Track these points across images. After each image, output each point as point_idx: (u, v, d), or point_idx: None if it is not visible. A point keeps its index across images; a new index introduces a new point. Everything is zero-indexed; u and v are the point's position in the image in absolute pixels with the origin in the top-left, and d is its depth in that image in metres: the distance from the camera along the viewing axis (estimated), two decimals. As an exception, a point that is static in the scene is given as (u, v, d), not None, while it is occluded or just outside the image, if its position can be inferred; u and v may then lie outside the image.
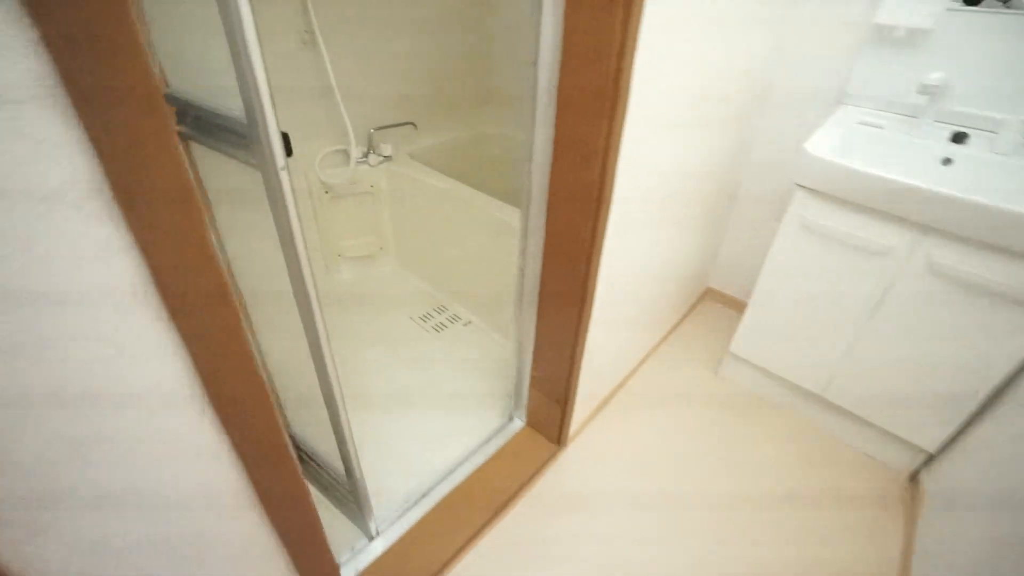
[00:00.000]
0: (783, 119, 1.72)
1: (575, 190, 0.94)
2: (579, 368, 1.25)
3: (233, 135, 0.66)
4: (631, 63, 0.82)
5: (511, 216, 1.65)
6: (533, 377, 1.37)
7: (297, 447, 1.23)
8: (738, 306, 2.13)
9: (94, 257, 0.47)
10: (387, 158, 2.00)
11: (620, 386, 1.77)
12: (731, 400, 1.74)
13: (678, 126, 1.19)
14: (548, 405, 1.38)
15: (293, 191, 0.69)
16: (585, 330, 1.16)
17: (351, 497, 1.12)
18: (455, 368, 1.76)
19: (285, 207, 0.68)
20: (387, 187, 2.03)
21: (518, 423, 1.52)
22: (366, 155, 1.98)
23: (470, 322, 1.98)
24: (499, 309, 1.87)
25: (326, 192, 1.96)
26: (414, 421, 1.54)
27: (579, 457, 1.49)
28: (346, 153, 1.98)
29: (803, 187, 1.32)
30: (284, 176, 0.65)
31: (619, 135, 0.88)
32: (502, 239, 1.69)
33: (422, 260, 2.13)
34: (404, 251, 2.18)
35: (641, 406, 1.70)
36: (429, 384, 1.68)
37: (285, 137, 0.66)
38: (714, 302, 2.21)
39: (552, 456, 1.44)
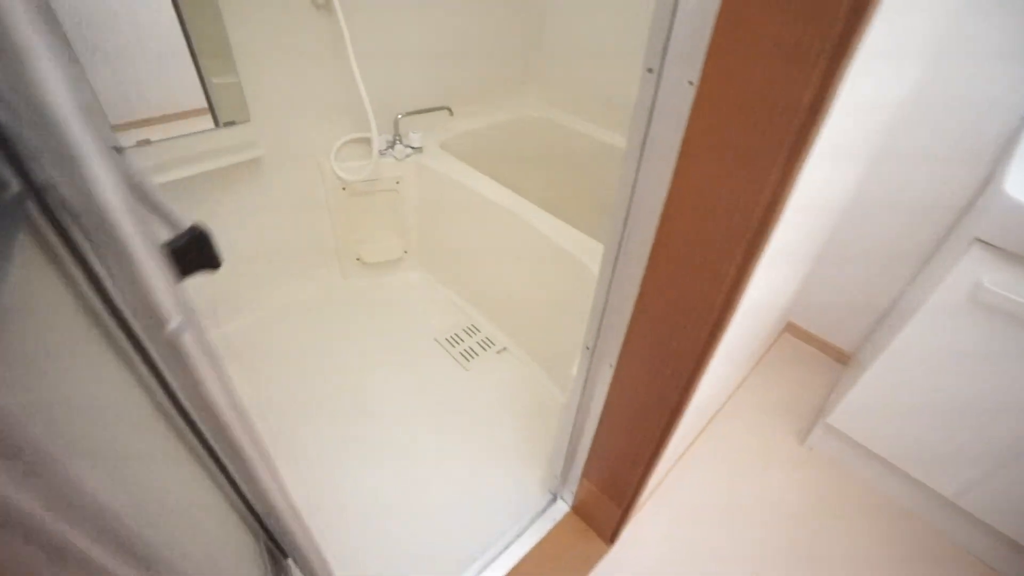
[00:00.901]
0: (915, 147, 1.30)
1: (709, 242, 0.60)
2: (654, 469, 0.93)
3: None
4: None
5: (576, 245, 1.31)
6: (589, 465, 1.06)
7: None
8: (822, 346, 1.76)
9: None
10: (416, 150, 1.67)
11: (688, 446, 1.45)
12: (822, 483, 1.40)
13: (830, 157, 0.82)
14: (602, 500, 1.09)
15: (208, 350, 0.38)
16: (679, 420, 0.84)
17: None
18: (485, 411, 1.47)
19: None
20: (416, 184, 1.71)
21: (563, 506, 1.23)
22: (391, 145, 1.65)
23: (505, 349, 1.68)
24: (543, 339, 1.56)
25: (343, 188, 1.65)
26: (429, 487, 1.27)
27: (632, 559, 1.19)
28: (367, 142, 1.65)
29: (987, 243, 0.94)
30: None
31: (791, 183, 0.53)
32: (560, 267, 1.36)
33: (454, 269, 1.82)
34: (433, 256, 1.87)
35: (709, 482, 1.38)
36: (454, 431, 1.41)
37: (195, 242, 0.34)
38: (795, 337, 1.84)
39: (599, 556, 1.16)
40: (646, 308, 0.71)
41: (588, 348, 0.85)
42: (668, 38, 0.50)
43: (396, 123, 1.63)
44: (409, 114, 1.65)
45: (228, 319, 1.67)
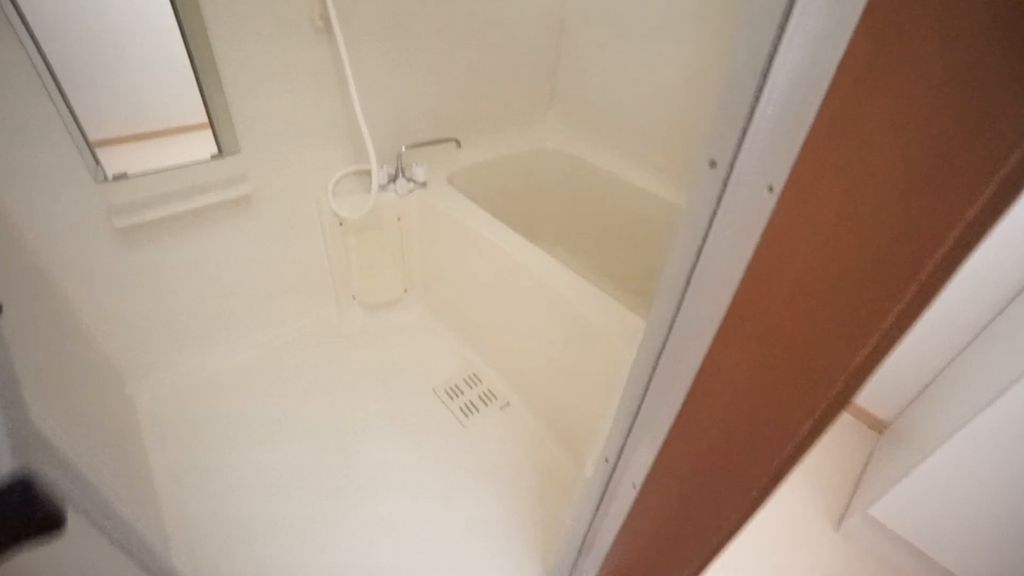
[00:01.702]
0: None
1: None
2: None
3: None
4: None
5: (591, 304, 1.18)
6: (602, 571, 0.92)
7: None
8: (856, 411, 1.61)
9: None
10: (420, 184, 1.54)
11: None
12: None
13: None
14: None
15: None
16: (719, 555, 0.69)
17: None
18: (483, 478, 1.33)
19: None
20: (418, 221, 1.58)
21: (564, 605, 1.08)
22: (393, 179, 1.53)
23: (508, 404, 1.54)
24: (550, 394, 1.42)
25: (340, 224, 1.53)
26: (414, 568, 1.13)
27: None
28: (367, 175, 1.53)
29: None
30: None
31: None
32: (570, 325, 1.23)
33: (456, 312, 1.68)
34: (434, 297, 1.74)
35: (735, 567, 1.23)
36: (447, 501, 1.26)
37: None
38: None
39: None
40: (691, 427, 0.57)
41: (607, 460, 0.71)
42: (746, 128, 0.37)
43: (399, 156, 1.51)
44: (413, 146, 1.52)
45: (215, 359, 1.54)
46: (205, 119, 1.21)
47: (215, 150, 1.26)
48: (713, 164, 0.40)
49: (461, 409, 1.51)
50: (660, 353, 0.54)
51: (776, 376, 0.45)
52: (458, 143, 1.60)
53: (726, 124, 0.38)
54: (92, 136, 1.09)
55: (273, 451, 1.34)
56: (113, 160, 1.14)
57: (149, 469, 1.26)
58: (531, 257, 1.30)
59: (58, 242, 1.16)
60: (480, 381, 1.60)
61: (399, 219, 1.57)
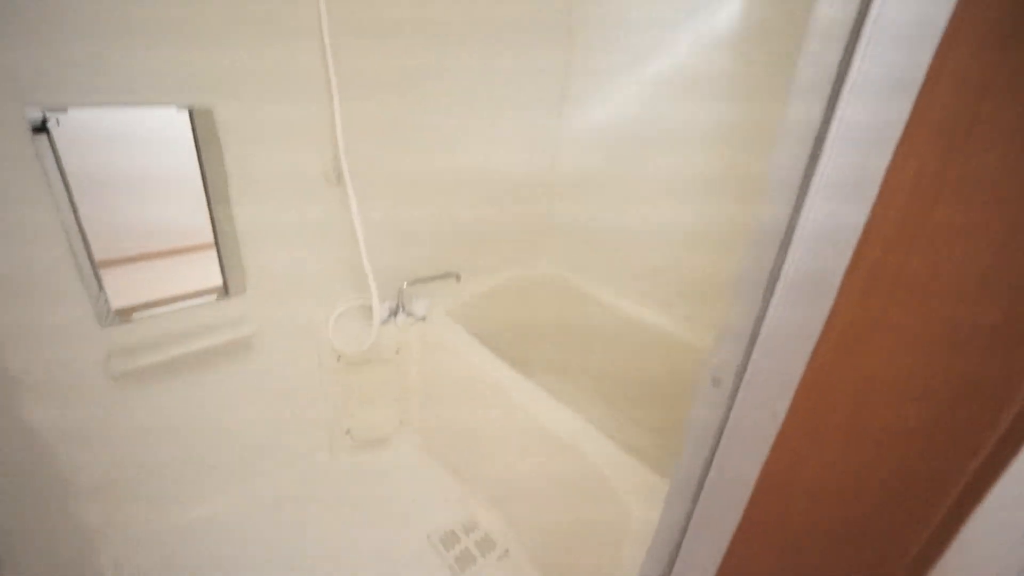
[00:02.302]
0: None
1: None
2: None
3: None
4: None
5: (593, 447, 1.13)
6: None
7: None
8: None
9: None
10: (420, 319, 1.56)
11: None
12: None
13: None
14: None
15: None
16: None
17: None
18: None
19: None
20: (417, 355, 1.58)
21: None
22: (394, 313, 1.55)
23: (506, 553, 1.42)
24: (550, 543, 1.31)
25: (338, 358, 1.52)
26: None
27: None
28: (368, 309, 1.56)
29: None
30: None
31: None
32: (572, 469, 1.17)
33: (453, 449, 1.62)
34: (431, 432, 1.68)
35: None
36: None
37: None
38: None
39: None
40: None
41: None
42: (750, 349, 0.37)
43: (400, 291, 1.54)
44: (415, 282, 1.57)
45: (200, 505, 1.45)
46: (209, 240, 1.24)
47: (219, 278, 1.29)
48: (716, 383, 0.40)
49: (456, 560, 1.39)
50: (676, 552, 0.51)
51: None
52: (458, 278, 1.65)
53: (729, 345, 0.39)
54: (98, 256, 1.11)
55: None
56: (115, 283, 1.14)
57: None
58: (532, 397, 1.28)
59: (50, 389, 1.14)
60: (477, 526, 1.50)
61: (397, 352, 1.57)
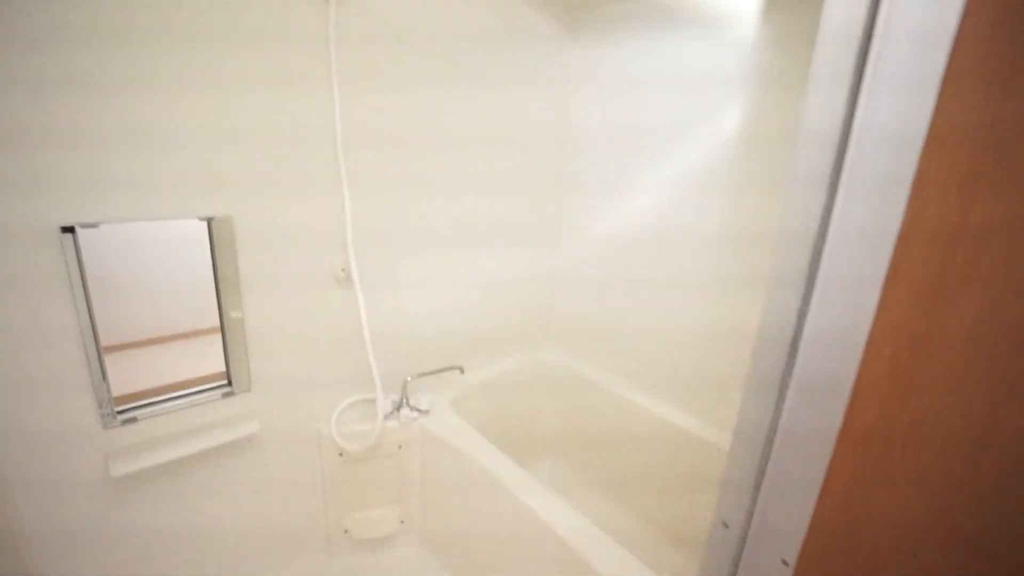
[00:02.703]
0: None
1: None
2: None
3: None
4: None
5: (614, 568, 1.08)
6: None
7: None
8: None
9: None
10: (424, 413, 1.55)
11: None
12: None
13: None
14: None
15: None
16: None
17: None
18: None
19: None
20: (419, 450, 1.55)
21: None
22: (397, 407, 1.54)
23: (515, 674, 1.31)
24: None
25: (340, 454, 1.49)
26: None
27: None
28: (372, 403, 1.55)
29: None
30: None
31: None
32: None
33: (456, 549, 1.55)
34: (433, 532, 1.62)
35: None
36: None
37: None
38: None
39: None
40: None
41: None
42: (767, 459, 0.38)
43: (404, 385, 1.55)
44: (419, 376, 1.57)
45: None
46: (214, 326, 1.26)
47: (226, 384, 1.30)
48: (726, 526, 0.40)
49: None
50: None
51: None
52: (461, 370, 1.66)
53: (735, 482, 0.40)
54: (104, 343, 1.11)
55: None
56: (118, 369, 1.14)
57: None
58: (537, 498, 1.24)
59: (43, 490, 1.11)
60: (481, 640, 1.40)
61: (400, 447, 1.54)
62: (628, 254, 1.70)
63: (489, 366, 1.85)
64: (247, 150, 1.18)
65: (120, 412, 1.17)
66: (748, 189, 1.38)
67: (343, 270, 1.39)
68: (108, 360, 1.12)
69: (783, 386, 0.39)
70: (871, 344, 0.33)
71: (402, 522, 1.62)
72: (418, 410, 1.55)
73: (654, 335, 1.67)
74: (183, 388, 1.26)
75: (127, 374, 1.17)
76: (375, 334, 1.43)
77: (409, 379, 1.55)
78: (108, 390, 1.13)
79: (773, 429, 0.37)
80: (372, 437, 1.44)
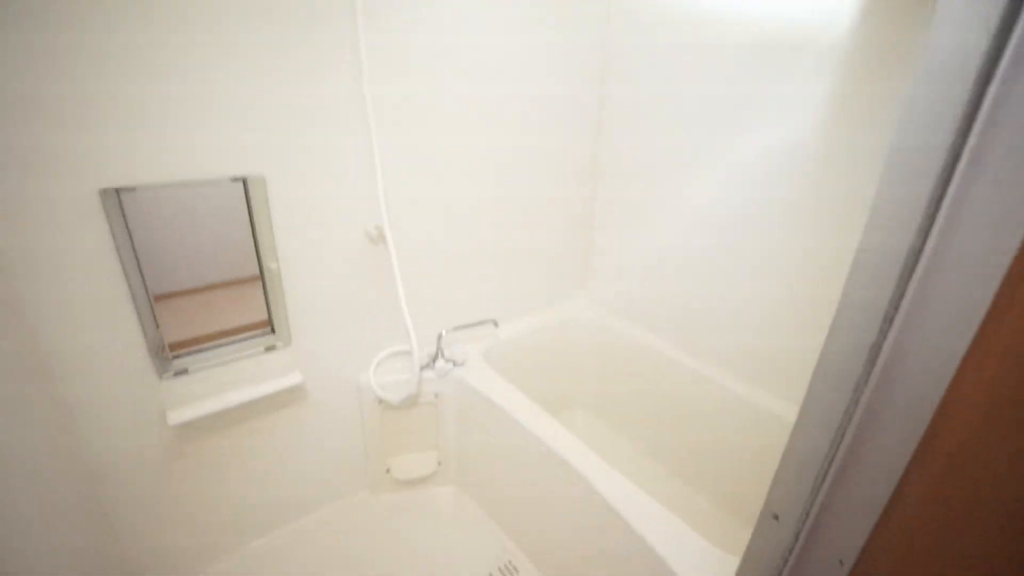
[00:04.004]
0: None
1: None
2: None
3: None
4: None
5: (645, 520, 1.12)
6: None
7: None
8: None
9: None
10: (458, 364, 1.58)
11: None
12: None
13: None
14: None
15: None
16: None
17: None
18: None
19: None
20: (455, 399, 1.60)
21: None
22: (433, 360, 1.58)
23: (547, 601, 1.41)
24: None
25: (379, 403, 1.56)
26: None
27: None
28: (408, 355, 1.59)
29: None
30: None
31: None
32: (606, 523, 1.17)
33: (491, 493, 1.63)
34: (469, 475, 1.70)
35: None
36: None
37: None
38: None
39: None
40: None
41: None
42: (819, 488, 0.37)
43: (439, 338, 1.57)
44: (454, 329, 1.60)
45: (247, 546, 1.51)
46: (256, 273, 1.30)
47: (268, 344, 1.35)
48: (776, 518, 0.40)
49: (496, 608, 1.40)
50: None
51: None
52: (496, 324, 1.67)
53: (790, 476, 0.39)
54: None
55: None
56: (164, 314, 1.20)
57: None
58: (571, 450, 1.28)
59: (113, 435, 1.20)
60: (516, 571, 1.50)
61: (436, 396, 1.59)
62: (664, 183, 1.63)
63: (523, 320, 1.86)
64: (279, 118, 1.16)
65: (176, 357, 1.23)
66: (834, 166, 1.24)
67: (376, 227, 1.39)
68: (157, 307, 1.17)
69: (863, 378, 0.36)
70: (971, 356, 0.30)
71: (439, 464, 1.71)
72: (453, 362, 1.58)
73: (706, 301, 1.63)
74: (230, 336, 1.31)
75: (176, 320, 1.22)
76: (409, 288, 1.45)
77: (444, 332, 1.57)
78: (162, 342, 1.18)
79: (847, 421, 0.36)
80: (410, 388, 1.49)
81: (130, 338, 1.15)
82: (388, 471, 1.68)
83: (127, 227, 1.06)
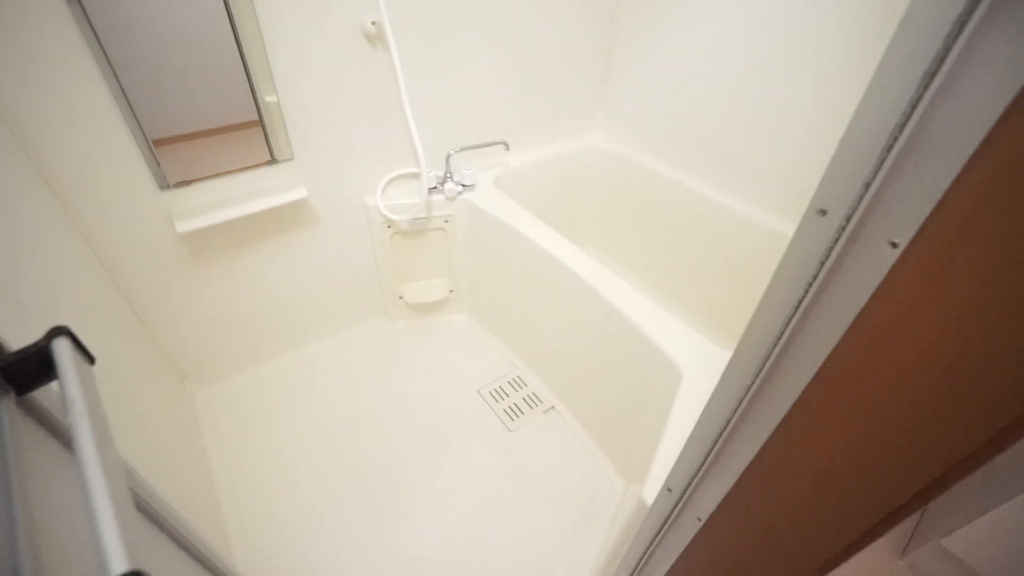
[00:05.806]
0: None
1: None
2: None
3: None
4: None
5: (639, 311, 1.14)
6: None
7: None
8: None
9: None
10: (468, 187, 1.53)
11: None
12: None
13: None
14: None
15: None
16: None
17: None
18: (529, 486, 1.32)
19: None
20: (465, 223, 1.57)
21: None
22: (442, 182, 1.52)
23: (552, 408, 1.52)
24: (595, 405, 1.39)
25: (388, 226, 1.53)
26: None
27: None
28: (417, 177, 1.53)
29: None
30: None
31: None
32: (616, 332, 1.20)
33: (501, 315, 1.67)
34: (480, 299, 1.73)
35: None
36: (490, 517, 1.26)
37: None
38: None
39: None
40: (770, 476, 0.54)
41: (670, 491, 0.68)
42: (874, 176, 0.33)
43: (448, 159, 1.50)
44: (462, 150, 1.51)
45: (268, 363, 1.60)
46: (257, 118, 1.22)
47: (266, 153, 1.28)
48: (823, 212, 0.36)
49: (507, 412, 1.51)
50: (743, 398, 0.51)
51: (875, 455, 0.42)
52: (506, 146, 1.58)
53: (844, 167, 0.34)
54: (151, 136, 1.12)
55: (323, 453, 1.38)
56: (171, 160, 1.16)
57: (211, 471, 1.31)
58: (580, 263, 1.27)
59: (124, 244, 1.20)
60: (524, 384, 1.59)
61: (446, 220, 1.56)
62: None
63: (535, 149, 1.76)
64: None
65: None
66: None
67: (373, 23, 1.23)
68: (157, 152, 1.11)
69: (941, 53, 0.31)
70: None
71: (451, 291, 1.74)
72: (462, 184, 1.52)
73: (714, 111, 1.50)
74: (228, 172, 1.25)
75: (175, 165, 1.16)
76: (415, 103, 1.34)
77: (452, 152, 1.49)
78: (157, 161, 1.13)
79: (910, 109, 0.30)
80: (417, 209, 1.45)
81: (123, 147, 1.08)
82: (401, 297, 1.72)
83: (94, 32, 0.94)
